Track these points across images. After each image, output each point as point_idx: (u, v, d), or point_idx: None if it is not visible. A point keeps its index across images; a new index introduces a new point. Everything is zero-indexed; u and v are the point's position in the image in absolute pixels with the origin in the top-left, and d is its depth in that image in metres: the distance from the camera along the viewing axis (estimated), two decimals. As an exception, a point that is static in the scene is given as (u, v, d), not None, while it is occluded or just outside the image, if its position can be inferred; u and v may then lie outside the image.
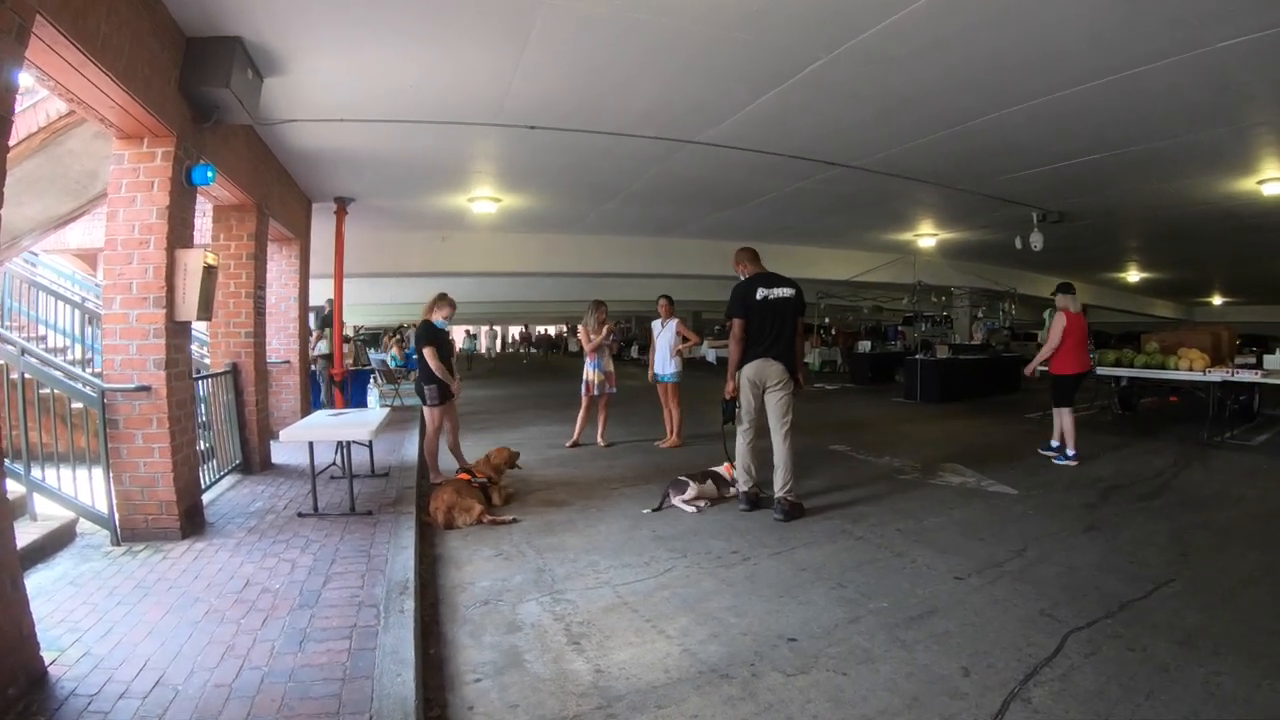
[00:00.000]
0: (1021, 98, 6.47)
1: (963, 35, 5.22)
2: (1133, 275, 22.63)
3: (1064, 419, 8.16)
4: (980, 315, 20.52)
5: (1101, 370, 10.83)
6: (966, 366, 15.73)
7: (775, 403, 5.92)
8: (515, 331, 53.14)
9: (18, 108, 2.91)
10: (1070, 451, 8.00)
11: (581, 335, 9.45)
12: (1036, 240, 11.83)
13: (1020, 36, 5.24)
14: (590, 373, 9.29)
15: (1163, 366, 9.95)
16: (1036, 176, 9.41)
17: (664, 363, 9.38)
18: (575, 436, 9.42)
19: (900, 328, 25.77)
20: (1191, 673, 3.16)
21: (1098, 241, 15.36)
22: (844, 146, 8.23)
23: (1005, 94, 6.42)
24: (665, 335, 9.40)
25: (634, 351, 33.09)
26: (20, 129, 3.25)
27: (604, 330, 9.31)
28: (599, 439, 9.41)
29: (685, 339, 9.40)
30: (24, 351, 4.81)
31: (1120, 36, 5.21)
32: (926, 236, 14.88)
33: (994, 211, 11.68)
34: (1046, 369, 8.55)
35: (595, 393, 9.31)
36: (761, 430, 6.06)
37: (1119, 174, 9.24)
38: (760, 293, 5.97)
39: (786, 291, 6.00)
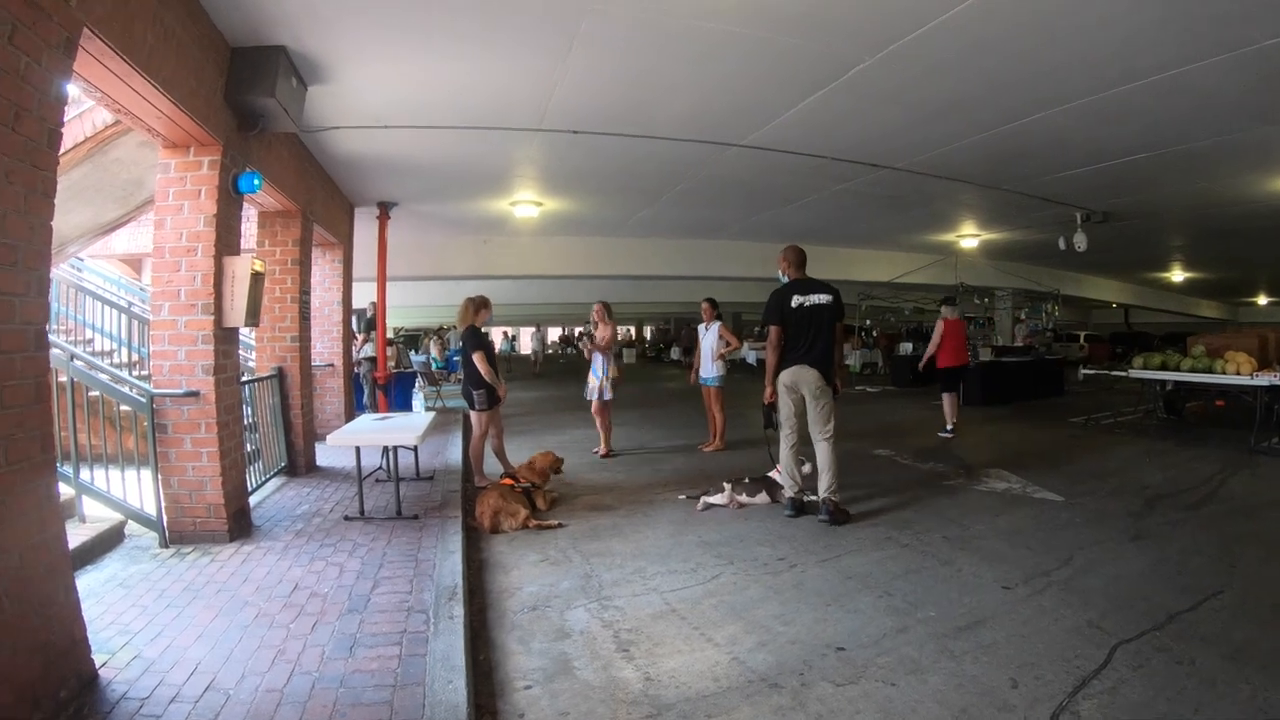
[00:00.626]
0: (1063, 98, 6.35)
1: (1004, 37, 5.14)
2: (1177, 275, 22.15)
3: (947, 401, 10.36)
4: (1023, 317, 20.07)
5: (1146, 374, 10.55)
6: (1010, 369, 15.43)
7: (817, 411, 5.89)
8: (554, 334, 53.49)
9: (64, 117, 2.94)
10: (949, 426, 10.19)
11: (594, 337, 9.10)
12: (1080, 241, 11.57)
13: (1060, 37, 5.14)
14: (593, 379, 8.89)
15: (1209, 370, 9.63)
16: (1079, 177, 9.23)
17: (707, 366, 9.29)
18: (603, 447, 9.08)
19: (942, 329, 25.33)
20: (1239, 688, 3.06)
21: (1142, 241, 15.02)
22: (887, 148, 8.13)
23: (1047, 95, 6.31)
24: (709, 338, 9.30)
25: (674, 353, 33.09)
26: (68, 138, 3.33)
27: (607, 334, 8.90)
28: (601, 447, 9.08)
29: (727, 343, 9.30)
30: (73, 357, 4.93)
31: (1161, 35, 5.08)
32: (969, 237, 14.64)
33: (1037, 212, 11.47)
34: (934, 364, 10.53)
35: (590, 397, 8.95)
36: (804, 436, 6.01)
37: (1163, 173, 9.03)
38: (796, 300, 5.93)
39: (823, 298, 5.94)
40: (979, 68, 5.69)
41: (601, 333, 8.92)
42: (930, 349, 10.64)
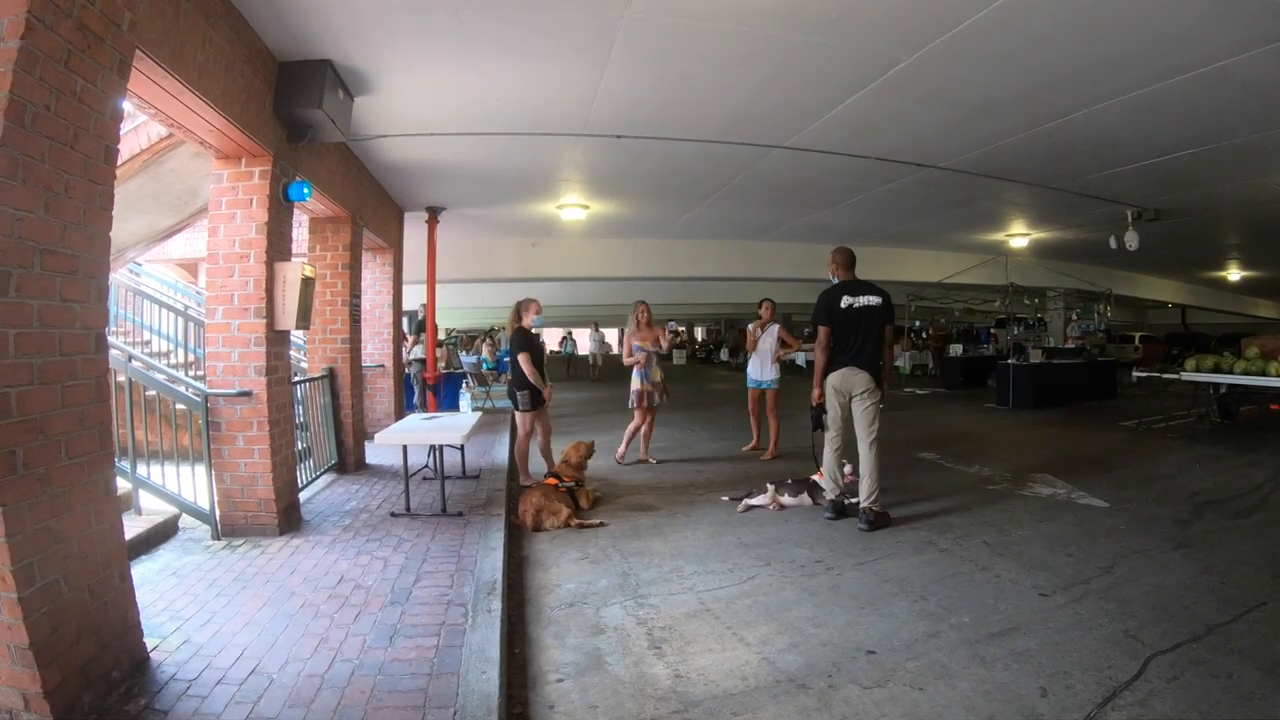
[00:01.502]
0: (1109, 94, 6.20)
1: (1045, 32, 5.05)
2: (1233, 274, 21.26)
3: None
4: (1075, 317, 19.52)
5: (1199, 376, 10.21)
6: (1060, 371, 15.05)
7: (862, 412, 5.84)
8: (611, 334, 53.53)
9: (120, 133, 3.13)
10: None
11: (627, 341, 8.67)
12: (1131, 239, 11.19)
13: (1104, 31, 5.02)
14: (638, 383, 8.42)
15: (1264, 373, 9.28)
16: (1129, 174, 8.96)
17: (764, 369, 9.08)
18: (622, 450, 8.72)
19: (993, 330, 24.80)
20: (1275, 704, 2.97)
21: (1195, 239, 14.50)
22: (930, 147, 8.03)
23: (1092, 90, 6.16)
24: (767, 340, 9.08)
25: (723, 354, 33.03)
26: (124, 151, 3.52)
27: (654, 336, 8.49)
28: (644, 454, 8.67)
29: (785, 344, 9.12)
30: (131, 358, 5.18)
31: (1208, 28, 4.94)
32: (1018, 237, 14.30)
33: (1087, 210, 11.17)
34: None
35: (644, 404, 8.42)
36: (849, 439, 5.99)
37: (1214, 169, 8.73)
38: (845, 301, 5.89)
39: (873, 300, 5.89)
40: (1020, 64, 5.60)
41: (644, 336, 8.48)
42: None
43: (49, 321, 2.70)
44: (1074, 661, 3.37)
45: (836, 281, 6.11)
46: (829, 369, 5.96)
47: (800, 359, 24.82)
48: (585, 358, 21.93)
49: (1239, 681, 3.16)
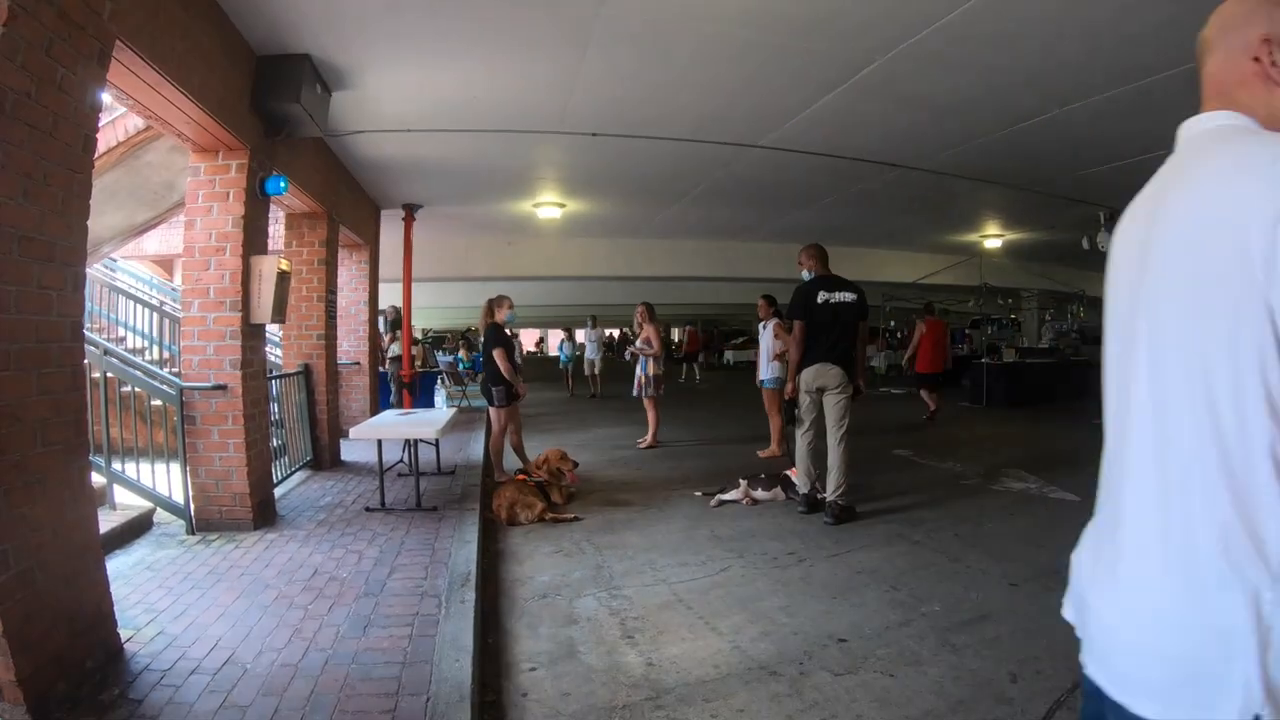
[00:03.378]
0: (1079, 94, 6.30)
1: (1015, 33, 5.13)
2: None
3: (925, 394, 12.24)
4: (1049, 318, 19.82)
5: None
6: (1034, 370, 15.36)
7: (833, 405, 5.89)
8: (581, 335, 53.25)
9: (99, 123, 3.13)
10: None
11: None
12: (1104, 240, 11.35)
13: (1073, 33, 5.11)
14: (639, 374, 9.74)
15: None
16: (1101, 175, 9.10)
17: (763, 366, 9.07)
18: (649, 438, 9.70)
19: (967, 331, 25.11)
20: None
21: (1169, 241, 14.68)
22: (904, 147, 8.12)
23: (1062, 91, 6.26)
24: (765, 337, 9.08)
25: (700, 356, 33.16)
26: (101, 144, 3.51)
27: (643, 336, 9.73)
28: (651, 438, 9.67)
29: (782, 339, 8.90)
30: (106, 352, 5.15)
31: (1177, 28, 4.99)
32: (992, 238, 14.51)
33: (1060, 211, 11.37)
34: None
35: (635, 393, 9.77)
36: (821, 432, 6.04)
37: (1188, 169, 8.84)
38: (821, 296, 5.94)
39: (849, 296, 5.96)
40: (990, 65, 5.68)
41: (645, 333, 9.72)
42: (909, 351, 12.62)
43: (26, 308, 2.69)
44: (1044, 648, 3.43)
45: (811, 277, 6.17)
46: (803, 364, 6.02)
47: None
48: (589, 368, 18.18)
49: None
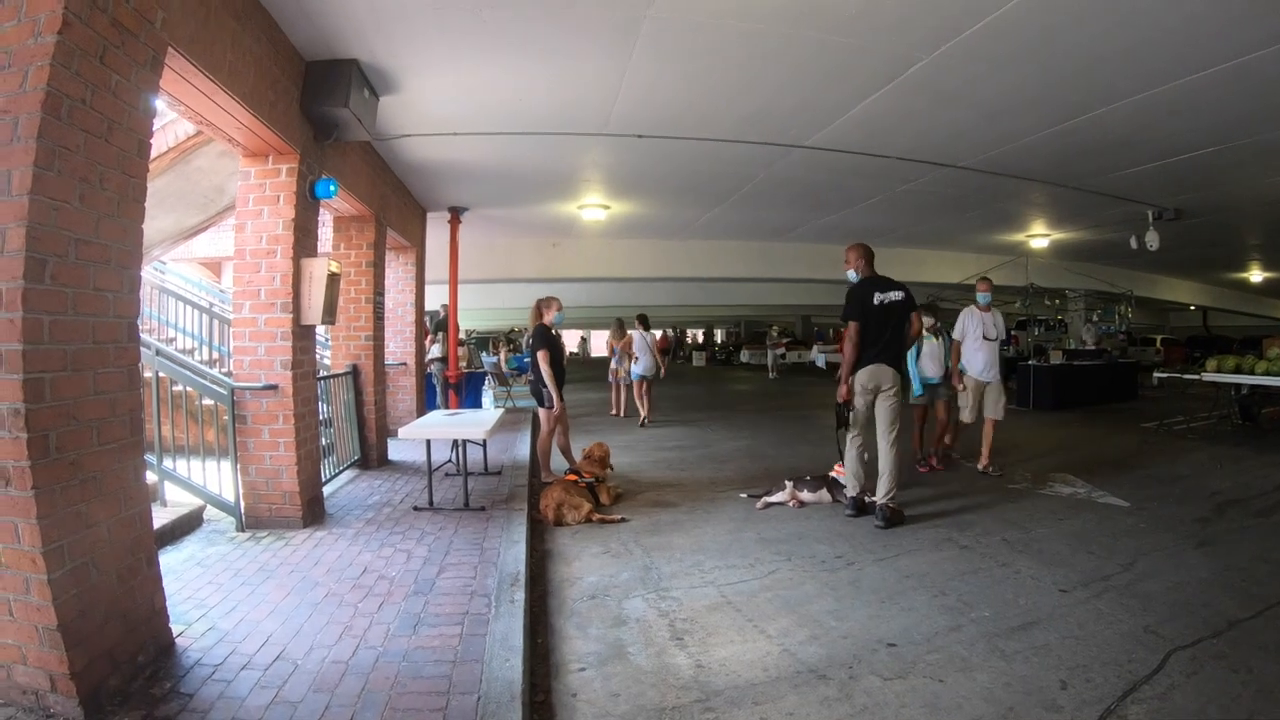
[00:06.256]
0: (1126, 91, 6.14)
1: (1062, 29, 5.02)
2: (1255, 275, 20.95)
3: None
4: (1096, 319, 19.29)
5: (1220, 377, 10.08)
6: (1081, 372, 14.92)
7: (886, 409, 5.84)
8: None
9: (153, 129, 3.20)
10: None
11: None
12: (1152, 239, 11.04)
13: (1121, 27, 4.98)
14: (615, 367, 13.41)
15: None
16: (1148, 172, 8.86)
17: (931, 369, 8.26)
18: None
19: (1013, 332, 24.60)
20: (1297, 698, 2.94)
21: (1216, 240, 14.33)
22: (949, 147, 7.99)
23: (1109, 88, 6.11)
24: (931, 347, 8.29)
25: (744, 356, 33.28)
26: (152, 149, 3.58)
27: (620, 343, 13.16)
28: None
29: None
30: (158, 352, 5.27)
31: (1226, 23, 4.88)
32: (1038, 237, 14.16)
33: (1106, 210, 11.05)
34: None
35: (611, 380, 13.56)
36: (871, 435, 5.98)
37: (1234, 168, 8.62)
38: (876, 297, 5.88)
39: (897, 295, 5.91)
40: (1036, 63, 5.57)
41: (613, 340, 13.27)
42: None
43: (83, 309, 2.76)
44: (1094, 655, 3.37)
45: (855, 278, 6.10)
46: (858, 365, 5.93)
47: (820, 360, 24.77)
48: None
49: (1260, 676, 3.14)
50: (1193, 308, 27.76)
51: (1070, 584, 4.33)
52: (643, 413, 12.35)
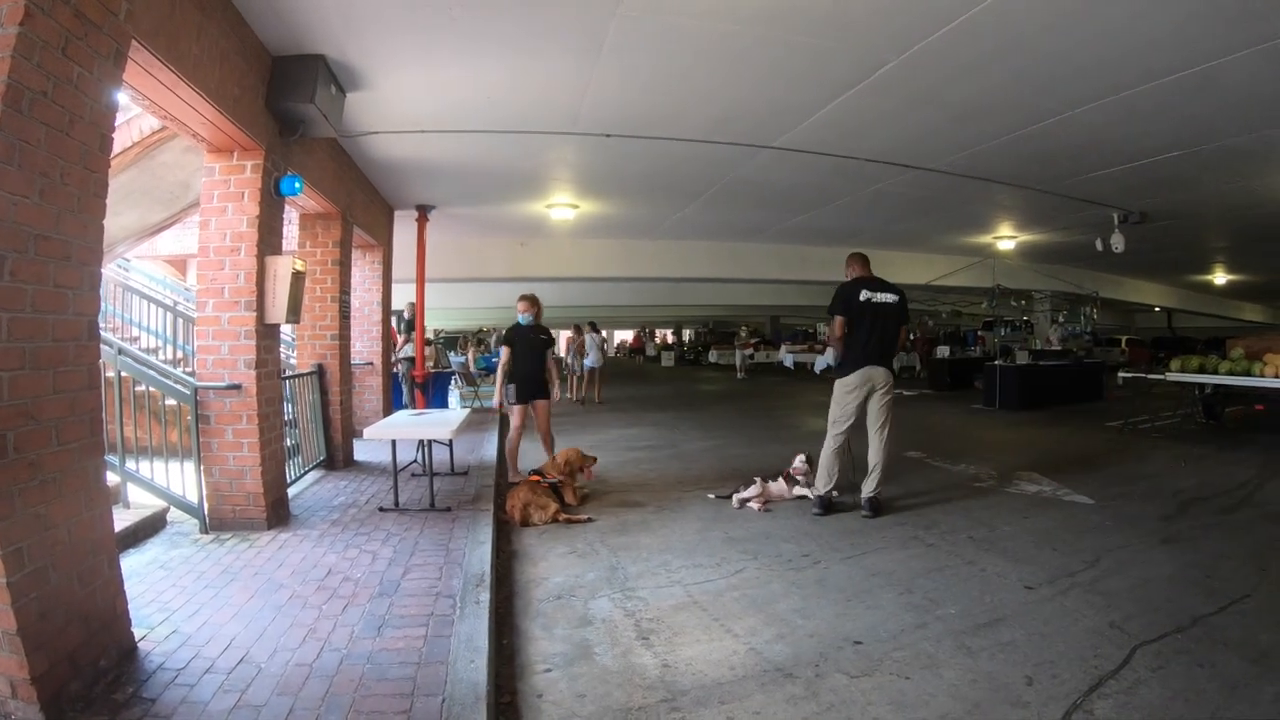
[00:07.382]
0: (1094, 96, 6.28)
1: (1031, 34, 5.12)
2: (1219, 277, 21.56)
3: None
4: (1061, 319, 19.69)
5: (1184, 377, 10.29)
6: (1047, 372, 15.20)
7: (879, 406, 6.02)
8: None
9: (115, 123, 3.14)
10: None
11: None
12: (1118, 242, 11.27)
13: (1089, 34, 5.10)
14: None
15: (1248, 373, 9.33)
16: (1115, 176, 9.05)
17: None
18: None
19: (979, 333, 24.99)
20: (1261, 691, 3.03)
21: (1182, 242, 14.69)
22: (918, 149, 8.10)
23: (1077, 92, 6.24)
24: None
25: (712, 356, 33.38)
26: (116, 144, 3.50)
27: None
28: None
29: None
30: (120, 351, 5.17)
31: (1192, 31, 5.02)
32: (1005, 239, 14.39)
33: (1074, 213, 11.27)
34: None
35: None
36: (856, 434, 6.14)
37: (1200, 172, 8.84)
38: (864, 295, 6.01)
39: (890, 297, 6.06)
40: (1006, 66, 5.66)
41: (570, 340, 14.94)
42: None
43: (42, 307, 2.70)
44: (1060, 652, 3.43)
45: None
46: (849, 366, 6.06)
47: (789, 361, 24.91)
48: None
49: (1224, 670, 3.21)
50: (1158, 309, 28.37)
51: (1036, 581, 4.41)
52: (596, 398, 16.48)
